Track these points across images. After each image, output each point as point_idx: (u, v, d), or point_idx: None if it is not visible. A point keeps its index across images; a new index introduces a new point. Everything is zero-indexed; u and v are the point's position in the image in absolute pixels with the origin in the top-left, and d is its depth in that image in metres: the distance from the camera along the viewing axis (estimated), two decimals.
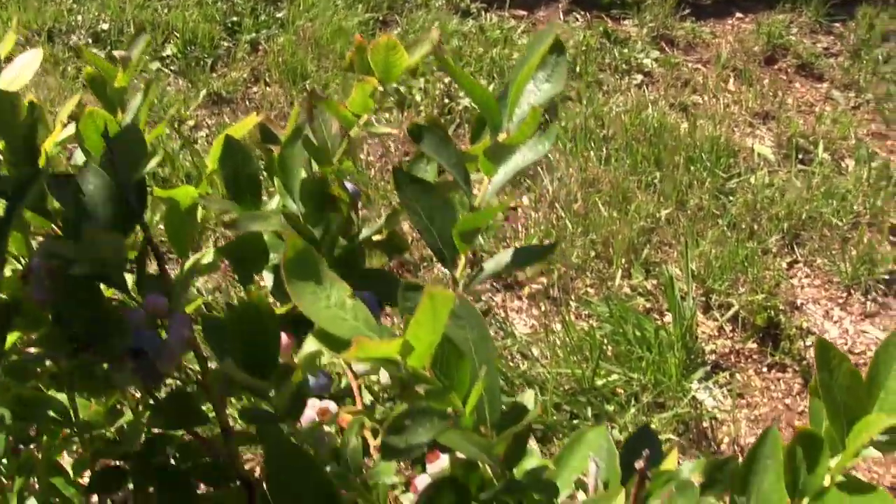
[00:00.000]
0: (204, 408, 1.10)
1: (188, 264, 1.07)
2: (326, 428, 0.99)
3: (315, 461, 0.83)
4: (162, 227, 1.15)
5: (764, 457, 0.90)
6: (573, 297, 2.89)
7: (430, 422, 0.65)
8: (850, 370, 0.85)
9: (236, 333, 0.85)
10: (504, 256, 0.93)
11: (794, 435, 0.86)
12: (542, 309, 2.84)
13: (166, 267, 1.05)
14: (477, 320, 0.72)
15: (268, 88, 3.85)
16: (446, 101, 3.75)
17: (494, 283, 2.93)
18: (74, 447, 1.28)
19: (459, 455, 0.79)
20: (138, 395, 1.32)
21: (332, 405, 0.98)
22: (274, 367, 0.85)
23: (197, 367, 1.05)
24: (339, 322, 0.66)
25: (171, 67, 3.97)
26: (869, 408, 0.85)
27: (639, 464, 0.73)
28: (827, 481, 0.87)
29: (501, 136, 0.89)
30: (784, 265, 3.11)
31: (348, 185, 1.16)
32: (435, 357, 0.65)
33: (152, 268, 1.04)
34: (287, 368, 0.85)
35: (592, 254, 3.03)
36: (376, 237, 1.18)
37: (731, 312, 2.86)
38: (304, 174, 1.10)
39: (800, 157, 3.62)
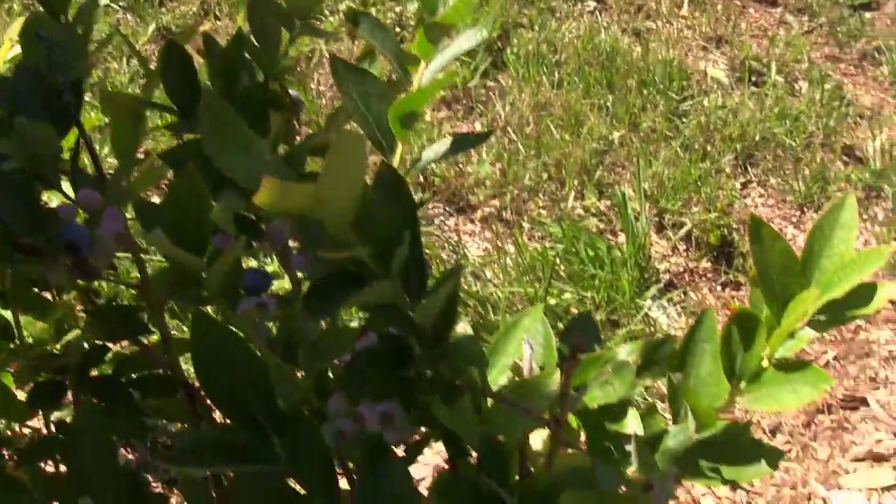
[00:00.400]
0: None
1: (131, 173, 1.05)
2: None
3: (246, 344, 0.82)
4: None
5: (700, 340, 0.90)
6: (526, 219, 2.89)
7: (350, 283, 0.64)
8: (783, 249, 0.85)
9: (167, 209, 0.83)
10: (442, 145, 0.93)
11: (730, 315, 0.86)
12: (495, 230, 2.84)
13: None
14: (402, 187, 0.71)
15: (217, 22, 3.81)
16: (398, 29, 3.72)
17: (447, 208, 2.92)
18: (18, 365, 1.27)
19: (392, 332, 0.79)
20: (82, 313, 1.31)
21: (270, 301, 0.97)
22: (205, 245, 0.84)
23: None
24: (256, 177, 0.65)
25: (120, 3, 3.91)
26: (805, 288, 0.85)
27: (575, 338, 0.73)
28: (765, 363, 0.87)
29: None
30: (737, 185, 3.11)
31: (292, 93, 1.15)
32: (356, 219, 0.64)
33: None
34: (220, 249, 0.84)
35: (545, 176, 3.02)
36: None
37: (683, 231, 2.87)
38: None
39: (753, 79, 3.62)
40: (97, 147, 2.77)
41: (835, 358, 2.54)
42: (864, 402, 2.39)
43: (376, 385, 0.74)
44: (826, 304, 0.84)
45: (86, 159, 1.13)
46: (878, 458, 2.23)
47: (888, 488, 2.15)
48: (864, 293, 0.84)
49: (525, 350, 0.84)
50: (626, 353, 0.87)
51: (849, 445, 2.27)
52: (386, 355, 0.75)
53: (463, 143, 0.95)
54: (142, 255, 1.05)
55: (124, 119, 1.10)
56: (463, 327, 0.82)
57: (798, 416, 2.33)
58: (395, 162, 0.91)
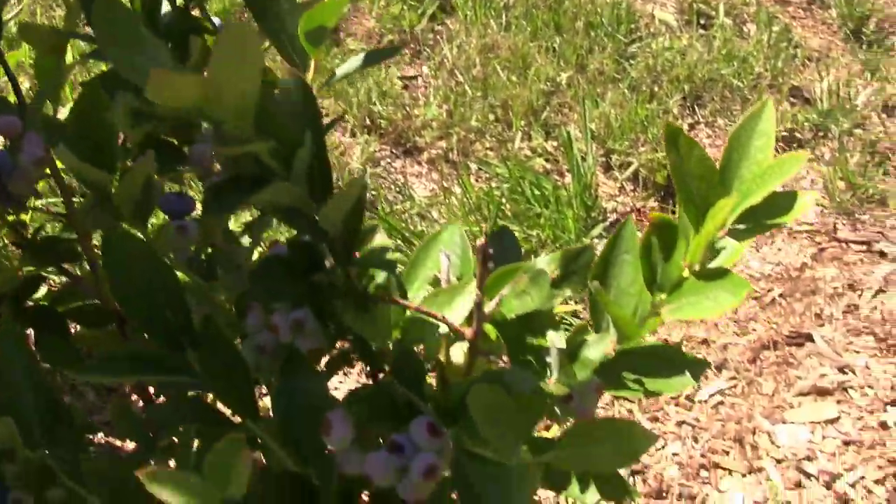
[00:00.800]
0: None
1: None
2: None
3: (161, 259, 0.81)
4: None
5: (621, 251, 0.90)
6: (472, 160, 2.88)
7: (251, 184, 0.63)
8: (701, 157, 0.85)
9: (72, 124, 0.82)
10: (355, 61, 0.92)
11: (649, 224, 0.86)
12: (441, 171, 2.83)
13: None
14: (305, 89, 0.70)
15: None
16: None
17: (394, 150, 2.91)
18: None
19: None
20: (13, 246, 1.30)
21: (190, 225, 0.96)
22: (114, 160, 0.83)
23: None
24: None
25: None
26: (724, 197, 0.85)
27: (485, 248, 0.72)
28: (686, 274, 0.87)
29: None
30: (685, 126, 3.11)
31: (215, 20, 1.14)
32: (256, 118, 0.63)
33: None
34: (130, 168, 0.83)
35: (492, 117, 3.01)
36: None
37: (630, 170, 2.87)
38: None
39: (701, 22, 3.61)
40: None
41: (781, 295, 2.55)
42: (810, 338, 2.40)
43: (285, 291, 0.73)
44: (746, 212, 0.84)
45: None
46: (822, 393, 2.24)
47: (831, 421, 2.17)
48: (784, 201, 0.84)
49: (442, 261, 0.84)
50: (544, 262, 0.86)
51: (794, 380, 2.28)
52: (296, 262, 0.74)
53: (374, 57, 0.95)
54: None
55: (46, 51, 1.09)
56: (380, 238, 0.81)
57: (744, 353, 2.35)
58: (309, 77, 0.90)
